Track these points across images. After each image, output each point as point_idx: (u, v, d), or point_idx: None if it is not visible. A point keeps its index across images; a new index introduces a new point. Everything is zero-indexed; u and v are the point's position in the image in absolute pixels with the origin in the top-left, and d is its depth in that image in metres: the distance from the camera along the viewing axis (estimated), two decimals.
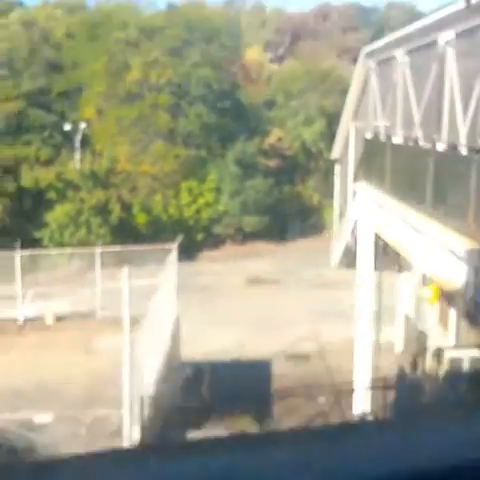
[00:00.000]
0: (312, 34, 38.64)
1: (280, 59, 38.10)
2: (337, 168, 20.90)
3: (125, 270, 10.74)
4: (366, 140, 17.83)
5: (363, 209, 15.74)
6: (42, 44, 40.36)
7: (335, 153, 21.06)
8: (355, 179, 18.29)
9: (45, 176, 29.50)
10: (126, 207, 29.38)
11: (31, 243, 26.25)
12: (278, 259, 25.90)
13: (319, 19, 40.39)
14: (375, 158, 15.50)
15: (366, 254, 15.22)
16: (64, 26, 42.85)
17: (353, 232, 16.16)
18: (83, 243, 27.10)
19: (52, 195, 28.94)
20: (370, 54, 18.77)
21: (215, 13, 43.05)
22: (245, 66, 36.36)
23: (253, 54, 37.49)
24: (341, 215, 19.38)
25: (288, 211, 30.36)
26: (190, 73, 34.86)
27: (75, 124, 33.73)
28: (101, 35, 39.89)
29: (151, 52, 37.05)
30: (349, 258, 16.08)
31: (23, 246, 25.18)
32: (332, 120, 28.60)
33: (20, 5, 48.70)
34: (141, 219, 29.22)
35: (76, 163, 31.48)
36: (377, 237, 14.80)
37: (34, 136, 32.85)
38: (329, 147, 27.58)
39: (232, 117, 32.94)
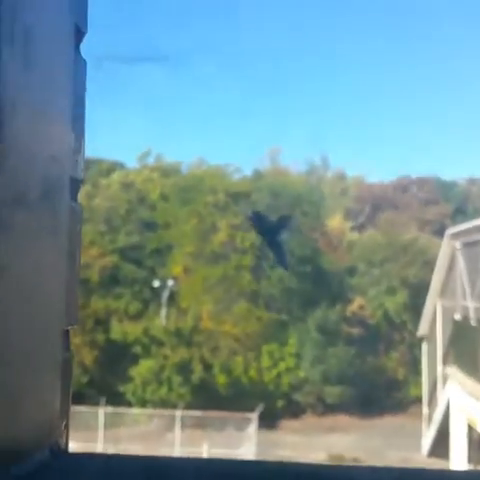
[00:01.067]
0: (392, 205, 40.42)
1: (360, 227, 39.68)
2: (424, 347, 20.93)
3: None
4: (455, 321, 17.99)
5: (454, 398, 15.62)
6: (138, 204, 43.87)
7: (422, 330, 21.21)
8: (444, 361, 18.25)
9: (133, 330, 30.80)
10: (207, 367, 29.95)
11: (115, 396, 26.99)
12: (362, 436, 25.18)
13: (399, 190, 42.39)
14: (466, 342, 15.55)
15: (459, 446, 14.89)
16: (159, 188, 46.49)
17: (444, 420, 15.92)
18: (164, 400, 27.56)
19: (138, 350, 30.00)
20: (455, 235, 19.48)
21: (298, 180, 45.92)
22: (326, 233, 37.97)
23: (334, 222, 39.25)
24: (430, 397, 19.12)
25: (372, 383, 29.95)
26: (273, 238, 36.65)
27: (163, 280, 35.58)
28: (192, 198, 43.13)
29: (237, 216, 39.48)
30: (441, 447, 15.69)
31: (107, 399, 25.97)
32: (415, 292, 29.03)
33: (121, 167, 53.78)
34: (221, 380, 29.57)
35: (162, 319, 32.81)
36: (470, 428, 14.54)
37: (125, 290, 34.83)
38: (412, 319, 27.73)
39: (313, 282, 33.94)
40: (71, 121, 0.86)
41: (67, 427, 1.00)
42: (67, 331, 0.93)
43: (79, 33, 1.07)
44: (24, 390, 0.68)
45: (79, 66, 1.08)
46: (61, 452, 0.78)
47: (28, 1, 0.77)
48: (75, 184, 1.07)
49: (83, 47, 1.13)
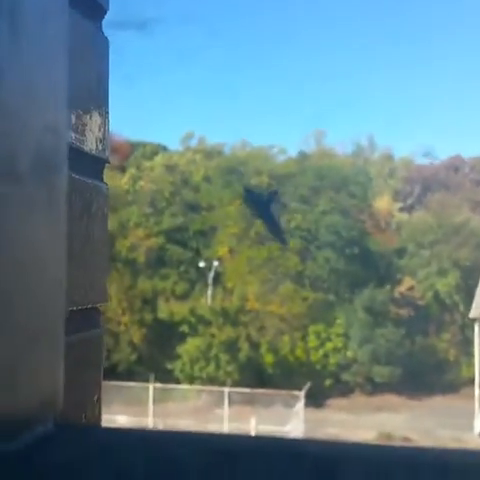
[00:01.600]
0: (443, 185, 39.44)
1: (409, 209, 38.93)
2: (477, 328, 20.43)
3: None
4: None
5: None
6: (182, 186, 44.05)
7: (474, 312, 20.72)
8: None
9: (179, 310, 31.04)
10: (254, 346, 29.96)
11: (163, 373, 27.29)
12: (412, 415, 24.83)
13: (450, 171, 41.33)
14: None
15: None
16: (202, 170, 46.57)
17: None
18: (212, 378, 27.73)
19: (185, 328, 30.22)
20: None
21: (344, 162, 45.25)
22: (374, 214, 37.37)
23: (382, 203, 38.58)
24: None
25: (422, 364, 29.50)
26: (319, 219, 36.31)
27: (208, 261, 35.69)
28: (236, 180, 43.03)
29: (282, 197, 39.21)
30: None
31: (156, 376, 26.29)
32: (467, 273, 28.36)
33: (164, 149, 54.05)
34: (268, 359, 29.57)
35: (208, 299, 32.95)
36: None
37: (171, 271, 35.08)
38: (465, 301, 27.07)
39: (361, 264, 33.50)
40: (66, 93, 0.78)
41: (99, 401, 1.03)
42: (72, 311, 0.91)
43: (95, 6, 1.03)
44: (24, 367, 0.67)
45: (98, 43, 1.05)
46: (65, 425, 0.75)
47: None
48: (99, 163, 1.07)
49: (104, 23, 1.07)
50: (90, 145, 1.02)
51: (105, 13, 1.07)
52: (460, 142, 69.59)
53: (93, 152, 1.03)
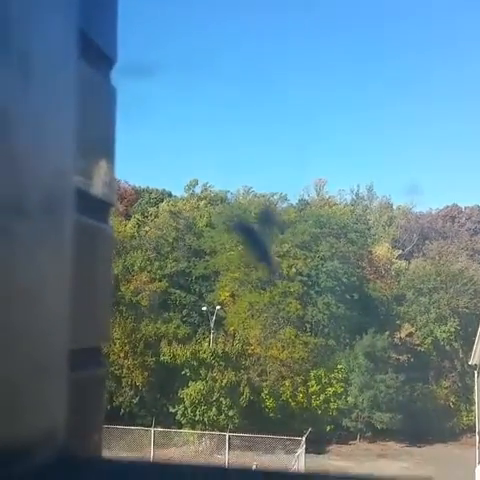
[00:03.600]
0: (440, 234, 40.31)
1: (408, 256, 39.67)
2: (477, 375, 20.70)
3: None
4: None
5: None
6: (186, 232, 44.64)
7: (474, 359, 21.02)
8: None
9: (182, 353, 31.29)
10: (255, 390, 30.16)
11: (165, 417, 27.40)
12: (414, 464, 24.80)
13: (447, 220, 42.27)
14: None
15: None
16: (206, 216, 47.21)
17: None
18: (213, 422, 27.85)
19: (187, 372, 30.45)
20: None
21: (343, 210, 46.23)
22: (373, 261, 38.02)
23: (381, 250, 39.31)
24: None
25: (422, 411, 29.64)
26: (319, 265, 36.89)
27: (211, 305, 36.05)
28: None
29: (283, 244, 39.79)
30: None
31: (157, 419, 26.37)
32: (466, 320, 28.82)
33: (169, 196, 55.02)
34: (270, 403, 29.74)
35: (210, 343, 33.25)
36: None
37: (174, 314, 35.50)
38: (464, 347, 27.44)
39: (361, 309, 33.97)
40: (74, 136, 0.88)
41: (100, 437, 1.06)
42: (77, 350, 0.93)
43: (100, 55, 1.06)
44: (27, 397, 0.74)
45: (106, 93, 1.09)
46: (65, 456, 0.79)
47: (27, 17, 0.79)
48: (105, 206, 1.09)
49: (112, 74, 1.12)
50: (97, 189, 1.04)
51: (113, 64, 1.11)
52: (457, 191, 70.96)
53: (100, 196, 1.05)
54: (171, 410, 28.53)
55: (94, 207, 1.03)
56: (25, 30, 0.77)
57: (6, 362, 0.70)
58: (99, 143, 1.07)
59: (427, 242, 39.91)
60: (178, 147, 65.93)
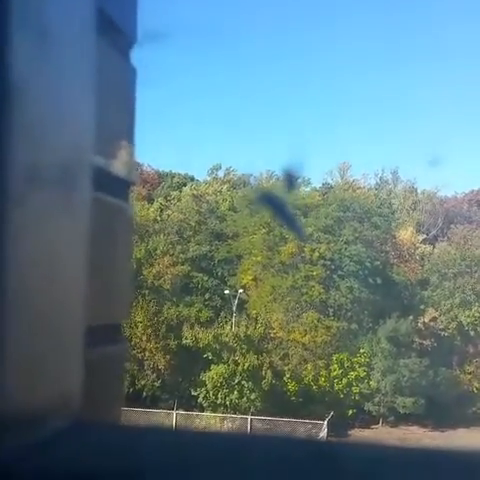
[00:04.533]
0: (465, 218, 39.65)
1: (433, 240, 39.15)
2: None
3: None
4: None
5: None
6: (208, 215, 44.66)
7: None
8: None
9: (204, 336, 31.43)
10: (277, 373, 30.21)
11: (187, 400, 27.60)
12: None
13: (473, 204, 41.53)
14: None
15: None
16: (229, 200, 47.14)
17: None
18: (235, 405, 27.99)
19: (209, 355, 30.59)
20: None
21: (367, 194, 45.72)
22: (397, 245, 37.61)
23: (405, 234, 38.85)
24: None
25: (445, 395, 29.41)
26: (342, 249, 36.61)
27: (233, 289, 36.11)
28: (260, 210, 43.47)
29: (306, 228, 39.53)
30: None
31: (179, 402, 26.56)
32: None
33: (192, 180, 55.07)
34: (292, 387, 29.77)
35: (233, 326, 33.33)
36: None
37: (196, 298, 35.63)
38: None
39: (384, 294, 33.70)
40: (93, 113, 0.88)
41: (120, 409, 1.09)
42: (95, 326, 0.92)
43: (119, 34, 1.04)
44: (45, 367, 0.76)
45: (126, 73, 1.09)
46: (83, 422, 0.80)
47: None
48: (124, 184, 1.10)
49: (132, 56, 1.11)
50: (117, 167, 1.04)
51: (133, 43, 1.10)
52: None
53: (119, 174, 1.05)
54: (193, 393, 28.75)
55: (113, 185, 1.04)
56: (44, 7, 0.78)
57: (27, 333, 0.71)
58: (118, 122, 1.07)
59: (452, 226, 39.30)
60: (202, 130, 65.74)
